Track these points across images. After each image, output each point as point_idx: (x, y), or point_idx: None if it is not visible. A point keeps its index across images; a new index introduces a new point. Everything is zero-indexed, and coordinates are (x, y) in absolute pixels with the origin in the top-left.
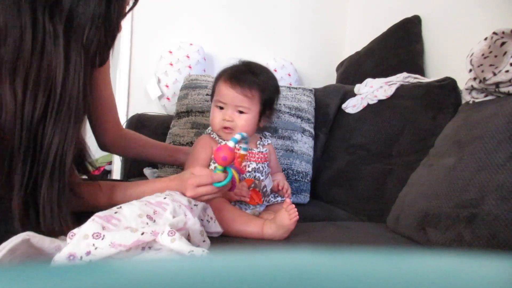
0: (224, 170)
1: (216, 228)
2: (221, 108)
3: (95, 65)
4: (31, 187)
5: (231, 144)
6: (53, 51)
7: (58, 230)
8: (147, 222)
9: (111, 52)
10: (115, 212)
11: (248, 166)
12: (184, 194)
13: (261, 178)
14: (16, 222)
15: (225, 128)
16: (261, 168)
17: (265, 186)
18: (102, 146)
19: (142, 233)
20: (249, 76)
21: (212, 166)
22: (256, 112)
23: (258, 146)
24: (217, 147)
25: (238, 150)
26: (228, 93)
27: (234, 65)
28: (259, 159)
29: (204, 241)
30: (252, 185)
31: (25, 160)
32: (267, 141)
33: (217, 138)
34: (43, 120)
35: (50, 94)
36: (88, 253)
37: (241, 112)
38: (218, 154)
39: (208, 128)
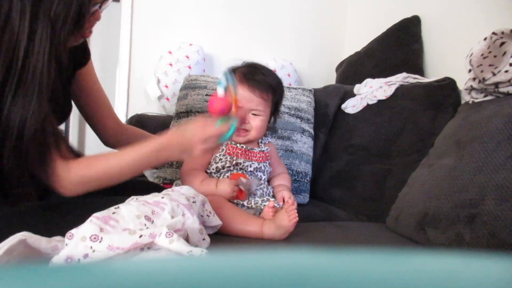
0: (226, 125)
1: (216, 221)
2: None
3: (61, 44)
4: None
5: (220, 91)
6: (18, 22)
7: (22, 197)
8: (145, 223)
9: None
10: (113, 213)
11: (250, 166)
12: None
13: (263, 177)
14: None
15: (240, 130)
16: (262, 168)
17: (249, 185)
18: (107, 143)
19: (140, 236)
20: (263, 77)
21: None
22: (268, 114)
23: (260, 145)
24: (209, 100)
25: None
26: (245, 95)
27: (243, 66)
28: (261, 158)
29: (203, 239)
30: (239, 182)
31: None
32: (267, 139)
33: None
34: (1, 90)
35: (11, 65)
36: (86, 255)
37: (255, 114)
38: (215, 108)
39: None
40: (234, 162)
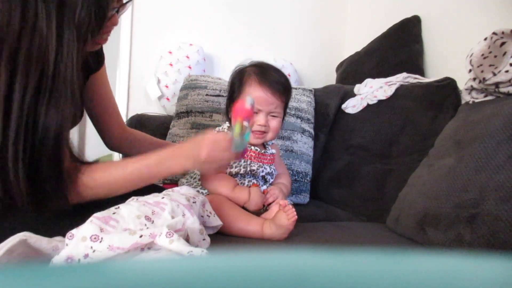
0: (240, 133)
1: (216, 221)
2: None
3: (87, 46)
4: (33, 166)
5: (248, 102)
6: (45, 30)
7: (62, 205)
8: (146, 223)
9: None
10: (113, 213)
11: (263, 171)
12: (197, 156)
13: (271, 181)
14: (20, 200)
15: (259, 132)
16: (273, 172)
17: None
18: (110, 147)
19: (141, 236)
20: (279, 79)
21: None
22: (282, 115)
23: (266, 147)
24: (235, 105)
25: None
26: (266, 98)
27: (258, 66)
28: (270, 161)
29: (204, 239)
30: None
31: (17, 139)
32: (271, 141)
33: None
34: (35, 99)
35: (43, 72)
36: (86, 255)
37: (273, 116)
38: (241, 110)
39: (222, 126)
40: (248, 168)
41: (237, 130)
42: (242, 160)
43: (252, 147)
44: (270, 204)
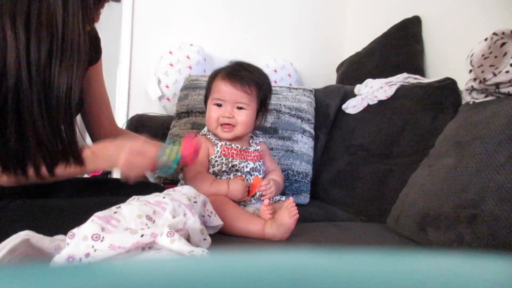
0: (172, 159)
1: (217, 221)
2: (219, 105)
3: (92, 16)
4: (48, 127)
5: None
6: None
7: (76, 158)
8: (147, 223)
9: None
10: (114, 212)
11: (246, 167)
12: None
13: (260, 177)
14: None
15: (225, 125)
16: (258, 167)
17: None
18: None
19: (142, 235)
20: (247, 73)
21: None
22: (254, 109)
23: (252, 144)
24: (192, 138)
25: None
26: (228, 90)
27: (228, 65)
28: (255, 158)
29: (204, 239)
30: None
31: (39, 102)
32: (259, 139)
33: (213, 139)
34: (49, 61)
35: (53, 36)
36: (88, 255)
37: (240, 108)
38: (191, 144)
39: (204, 129)
40: (230, 164)
41: (172, 156)
42: (224, 158)
43: (233, 145)
44: (263, 193)
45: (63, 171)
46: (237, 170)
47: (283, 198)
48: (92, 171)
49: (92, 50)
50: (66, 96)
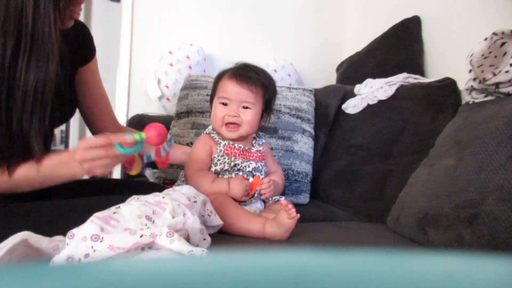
0: (135, 142)
1: (217, 221)
2: (225, 104)
3: (63, 14)
4: (15, 123)
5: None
6: None
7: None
8: (146, 223)
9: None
10: (114, 213)
11: (248, 166)
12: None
13: (261, 177)
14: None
15: (230, 124)
16: (260, 167)
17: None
18: None
19: (141, 236)
20: (253, 74)
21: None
22: (259, 109)
23: (254, 145)
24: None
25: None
26: (234, 89)
27: (234, 65)
28: (258, 158)
29: (204, 239)
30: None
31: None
32: (262, 140)
33: (217, 138)
34: (15, 58)
35: (21, 31)
36: (87, 255)
37: (245, 107)
38: (153, 129)
39: (208, 128)
40: (232, 164)
41: (135, 137)
42: (226, 157)
43: (236, 144)
44: (261, 192)
45: (23, 173)
46: (239, 170)
47: (282, 198)
48: (54, 179)
49: (83, 49)
50: (36, 92)
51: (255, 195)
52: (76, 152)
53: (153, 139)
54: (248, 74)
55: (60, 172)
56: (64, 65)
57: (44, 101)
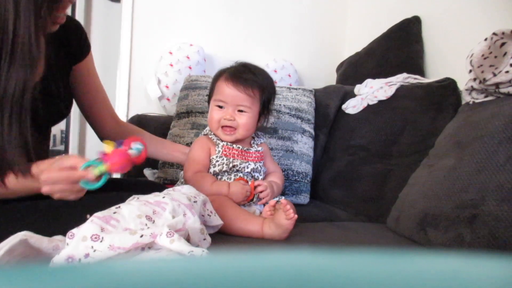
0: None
1: (217, 221)
2: (221, 107)
3: (46, 21)
4: None
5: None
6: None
7: (20, 168)
8: (146, 223)
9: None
10: (114, 212)
11: (247, 167)
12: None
13: (260, 178)
14: None
15: (226, 127)
16: (259, 168)
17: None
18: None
19: (141, 236)
20: (250, 76)
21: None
22: (256, 112)
23: (253, 145)
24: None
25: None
26: (230, 92)
27: (232, 65)
28: (256, 158)
29: (204, 239)
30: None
31: None
32: (260, 140)
33: (214, 139)
34: None
35: (3, 40)
36: (87, 255)
37: (241, 111)
38: (115, 161)
39: (206, 129)
40: (231, 165)
41: (98, 170)
42: (225, 158)
43: (234, 145)
44: (260, 196)
45: (16, 183)
46: (238, 171)
47: (282, 198)
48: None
49: (76, 47)
50: (16, 98)
51: (254, 199)
52: (41, 185)
53: (116, 169)
54: (244, 76)
55: (26, 192)
56: (54, 65)
57: (23, 109)
